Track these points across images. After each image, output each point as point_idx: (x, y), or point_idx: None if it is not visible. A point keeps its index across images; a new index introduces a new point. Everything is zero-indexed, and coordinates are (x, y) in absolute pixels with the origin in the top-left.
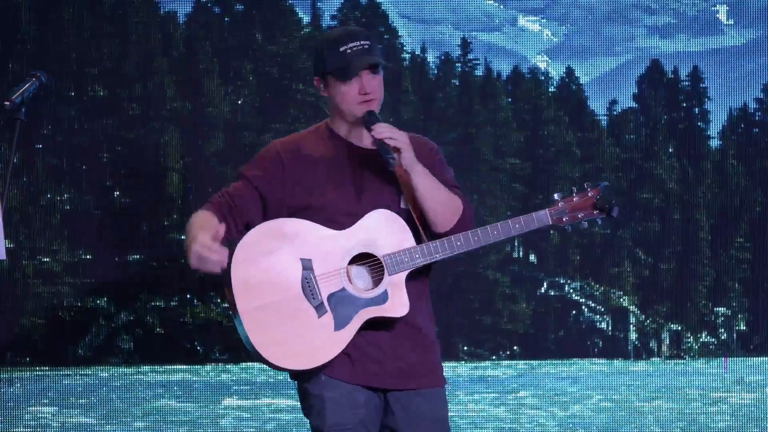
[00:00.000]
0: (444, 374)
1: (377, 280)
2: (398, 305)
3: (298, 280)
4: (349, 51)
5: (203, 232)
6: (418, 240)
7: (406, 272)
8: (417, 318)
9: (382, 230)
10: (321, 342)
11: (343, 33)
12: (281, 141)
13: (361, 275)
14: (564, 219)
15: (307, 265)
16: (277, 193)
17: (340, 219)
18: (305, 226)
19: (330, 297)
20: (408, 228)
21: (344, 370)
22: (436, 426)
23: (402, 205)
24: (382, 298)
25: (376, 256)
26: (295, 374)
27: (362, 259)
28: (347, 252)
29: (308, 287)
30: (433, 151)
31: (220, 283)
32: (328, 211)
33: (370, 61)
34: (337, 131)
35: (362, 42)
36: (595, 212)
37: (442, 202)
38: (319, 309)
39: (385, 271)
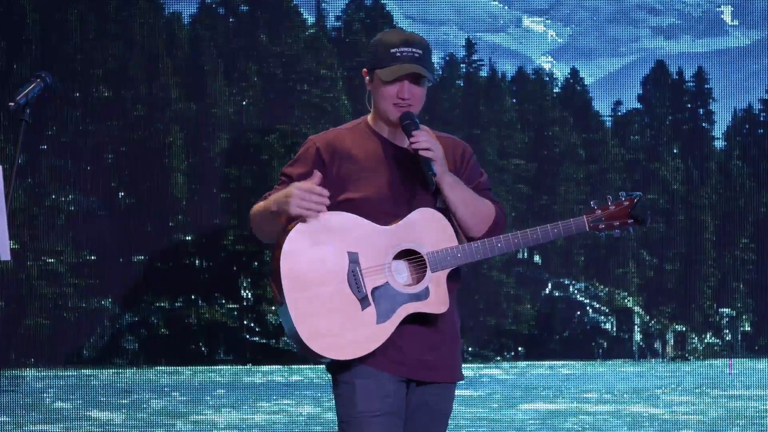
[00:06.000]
0: (462, 371)
1: (418, 276)
2: (439, 302)
3: (344, 272)
4: (399, 54)
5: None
6: (460, 239)
7: (448, 270)
8: (445, 314)
9: (427, 228)
10: (364, 334)
11: (400, 35)
12: (318, 137)
13: (401, 270)
14: (600, 227)
15: (353, 259)
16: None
17: (376, 216)
18: (352, 220)
19: (374, 291)
20: (451, 227)
21: (373, 357)
22: (437, 417)
23: (438, 205)
24: (424, 294)
25: (419, 253)
26: (331, 364)
27: (406, 254)
28: (392, 247)
29: (354, 280)
30: (466, 153)
31: (224, 284)
32: (365, 207)
33: (413, 71)
34: (377, 129)
35: (414, 49)
36: (629, 221)
37: (472, 212)
38: (363, 302)
39: (428, 268)
